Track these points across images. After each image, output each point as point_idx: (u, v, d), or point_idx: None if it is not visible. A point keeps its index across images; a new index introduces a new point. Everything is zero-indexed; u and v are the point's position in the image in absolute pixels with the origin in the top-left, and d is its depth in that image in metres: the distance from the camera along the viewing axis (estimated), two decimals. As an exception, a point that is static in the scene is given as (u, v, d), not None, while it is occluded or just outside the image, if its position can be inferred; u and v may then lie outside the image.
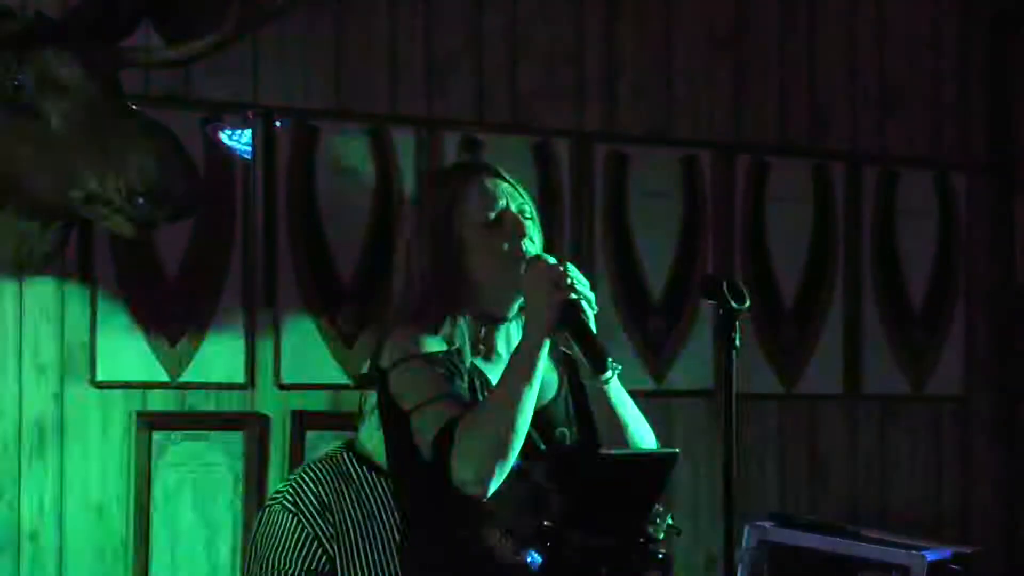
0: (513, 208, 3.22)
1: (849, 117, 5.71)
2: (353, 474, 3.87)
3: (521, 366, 3.06)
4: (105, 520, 4.60)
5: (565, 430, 3.23)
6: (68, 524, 4.56)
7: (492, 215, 3.21)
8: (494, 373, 3.17)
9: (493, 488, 3.01)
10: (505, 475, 3.01)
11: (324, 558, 3.77)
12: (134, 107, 4.14)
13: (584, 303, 3.09)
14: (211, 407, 4.73)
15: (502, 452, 3.00)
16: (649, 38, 5.40)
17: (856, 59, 5.73)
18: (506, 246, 3.18)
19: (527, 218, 3.23)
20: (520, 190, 3.26)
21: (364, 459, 3.90)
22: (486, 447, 3.00)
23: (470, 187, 3.24)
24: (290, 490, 3.86)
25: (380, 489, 3.85)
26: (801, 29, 5.65)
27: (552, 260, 3.13)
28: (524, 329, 3.12)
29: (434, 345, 3.15)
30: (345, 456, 3.91)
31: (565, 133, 5.23)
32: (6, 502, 4.50)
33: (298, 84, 4.87)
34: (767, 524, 4.84)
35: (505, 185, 3.25)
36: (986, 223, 5.93)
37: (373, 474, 3.87)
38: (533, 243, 3.20)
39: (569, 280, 3.08)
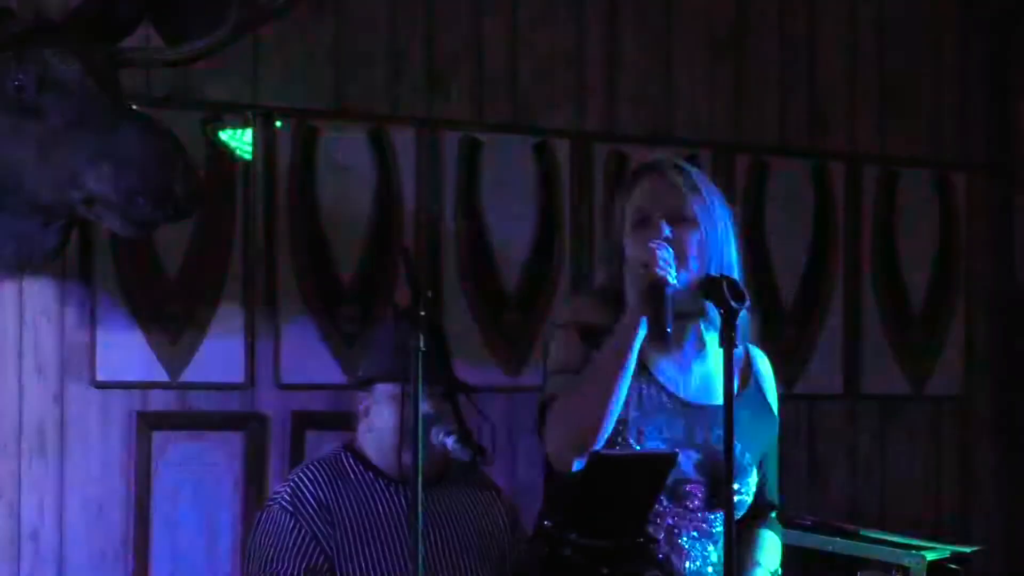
0: (660, 214, 3.27)
1: (849, 117, 5.72)
2: (351, 474, 3.88)
3: (614, 348, 3.15)
4: (105, 520, 4.60)
5: (723, 433, 3.25)
6: (68, 524, 4.56)
7: (637, 219, 3.27)
8: (663, 359, 3.28)
9: (577, 466, 3.10)
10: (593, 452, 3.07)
11: (322, 557, 3.78)
12: (134, 107, 4.14)
13: (665, 282, 3.15)
14: (211, 407, 4.73)
15: (583, 434, 3.12)
16: (649, 38, 5.40)
17: (856, 59, 5.74)
18: (639, 251, 3.22)
19: (675, 222, 3.25)
20: (683, 193, 3.29)
21: (362, 459, 3.90)
22: (571, 429, 3.13)
23: (636, 186, 3.31)
24: (288, 490, 3.86)
25: (378, 488, 3.86)
26: (801, 29, 5.65)
27: (652, 244, 3.19)
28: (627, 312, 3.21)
29: (599, 316, 3.25)
30: (343, 456, 3.91)
31: (565, 133, 5.23)
32: (6, 502, 4.50)
33: (298, 84, 4.87)
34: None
35: (661, 189, 3.29)
36: (986, 223, 5.93)
37: (371, 474, 3.87)
38: (667, 249, 3.22)
39: (656, 261, 3.14)
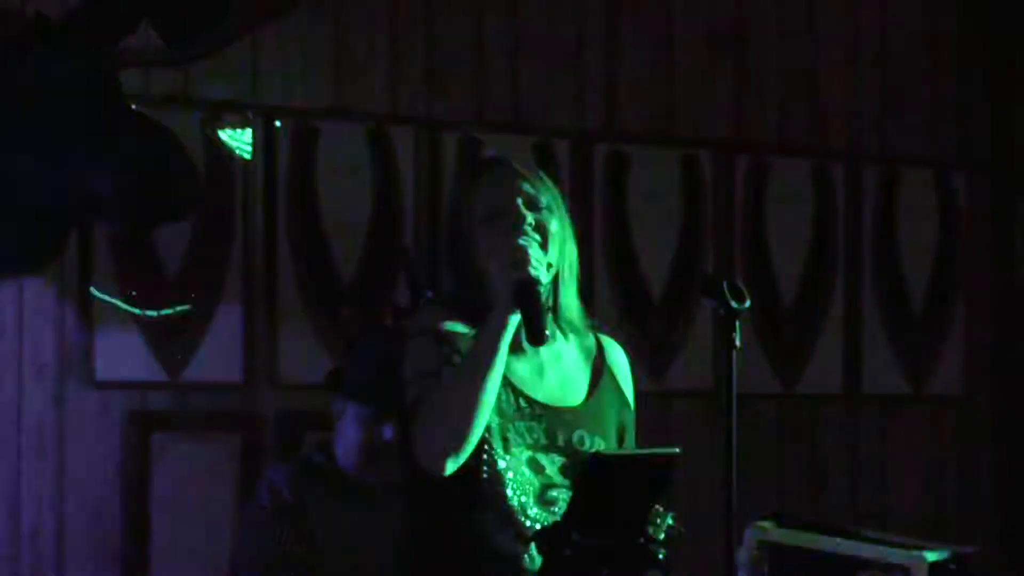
0: (518, 202, 3.22)
1: (849, 117, 5.72)
2: (325, 470, 3.89)
3: (483, 348, 3.08)
4: (104, 520, 4.60)
5: (584, 433, 3.24)
6: (68, 524, 4.56)
7: (491, 211, 3.22)
8: (516, 363, 3.18)
9: (451, 468, 3.04)
10: (465, 455, 3.03)
11: (304, 551, 3.80)
12: (134, 107, 4.14)
13: (538, 282, 3.08)
14: (210, 407, 4.73)
15: (457, 435, 3.03)
16: (649, 38, 5.40)
17: (856, 59, 5.74)
18: (502, 242, 3.17)
19: (532, 210, 3.21)
20: (534, 183, 3.23)
21: (335, 457, 3.92)
22: (442, 430, 3.03)
23: (477, 184, 3.26)
24: (264, 488, 3.88)
25: (351, 484, 3.88)
26: (801, 29, 5.65)
27: (521, 241, 3.12)
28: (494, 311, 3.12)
29: (456, 327, 3.17)
30: (316, 455, 3.94)
31: (565, 133, 5.23)
32: (6, 502, 4.50)
33: (298, 84, 4.88)
34: (767, 524, 4.83)
35: (512, 179, 3.24)
36: (986, 223, 5.93)
37: (343, 470, 3.90)
38: (534, 238, 3.17)
39: (528, 260, 3.08)
